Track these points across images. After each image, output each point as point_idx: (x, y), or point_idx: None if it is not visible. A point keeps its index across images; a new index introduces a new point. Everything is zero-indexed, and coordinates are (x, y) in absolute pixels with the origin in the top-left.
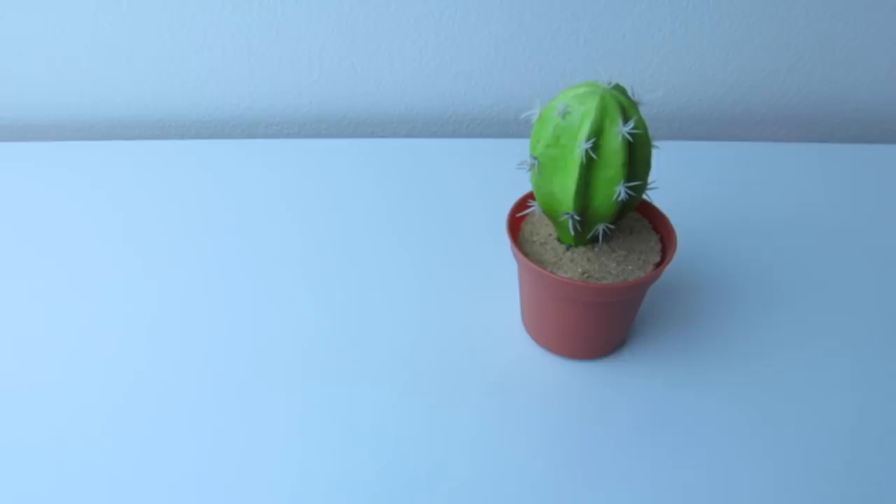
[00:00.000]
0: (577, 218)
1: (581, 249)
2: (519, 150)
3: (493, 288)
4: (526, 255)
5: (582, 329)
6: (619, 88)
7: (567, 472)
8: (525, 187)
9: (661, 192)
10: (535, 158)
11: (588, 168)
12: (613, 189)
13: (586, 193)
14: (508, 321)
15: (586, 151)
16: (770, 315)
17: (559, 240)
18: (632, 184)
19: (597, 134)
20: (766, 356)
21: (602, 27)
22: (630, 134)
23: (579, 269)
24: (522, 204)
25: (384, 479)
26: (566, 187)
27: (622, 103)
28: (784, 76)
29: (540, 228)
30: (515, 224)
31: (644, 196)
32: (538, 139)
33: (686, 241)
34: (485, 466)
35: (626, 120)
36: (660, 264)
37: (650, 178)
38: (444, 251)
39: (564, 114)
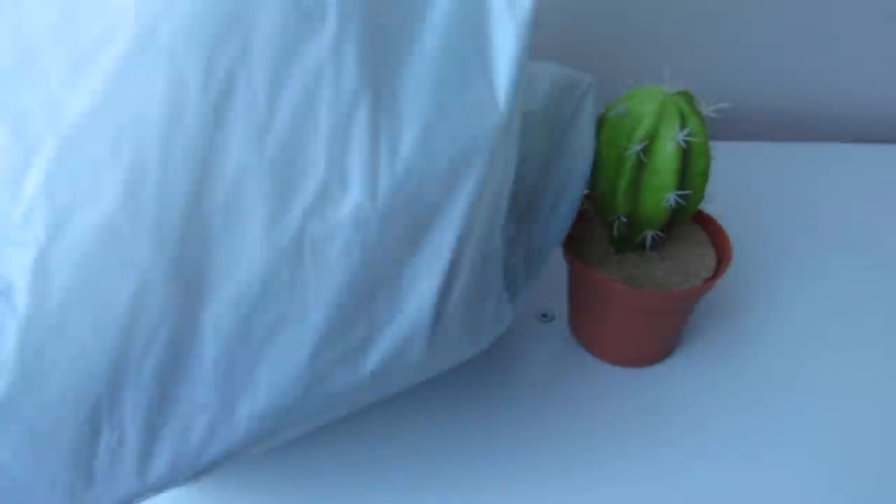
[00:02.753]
0: (623, 220)
1: (631, 254)
2: None
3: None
4: (575, 253)
5: (617, 332)
6: (684, 95)
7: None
8: None
9: None
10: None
11: (639, 172)
12: (662, 196)
13: (635, 198)
14: (555, 322)
15: (637, 154)
16: (770, 313)
17: (610, 242)
18: (683, 192)
19: (650, 138)
20: (774, 364)
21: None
22: (685, 142)
23: (623, 273)
24: None
25: (417, 480)
26: (615, 189)
27: (682, 110)
28: (783, 76)
29: (594, 228)
30: None
31: (704, 210)
32: (596, 139)
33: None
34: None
35: (683, 127)
36: (707, 280)
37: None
38: None
39: (622, 115)
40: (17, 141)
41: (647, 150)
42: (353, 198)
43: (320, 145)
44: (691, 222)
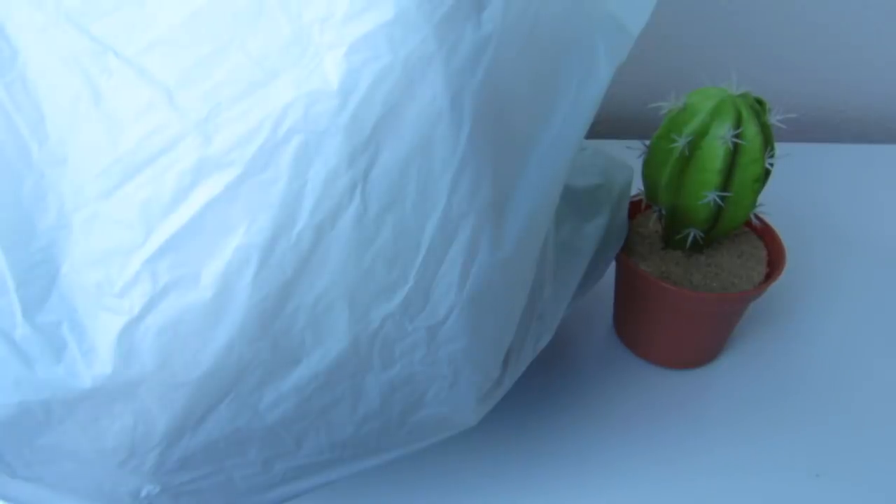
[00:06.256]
0: (663, 213)
1: (677, 252)
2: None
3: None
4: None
5: (660, 332)
6: (749, 99)
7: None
8: None
9: None
10: (647, 146)
11: (684, 165)
12: (702, 194)
13: (679, 192)
14: (598, 311)
15: (683, 148)
16: (768, 315)
17: (662, 237)
18: (723, 194)
19: (699, 134)
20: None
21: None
22: (734, 144)
23: (662, 268)
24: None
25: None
26: (661, 180)
27: (740, 111)
28: (784, 76)
29: (648, 221)
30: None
31: (764, 220)
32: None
33: None
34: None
35: (736, 127)
36: (745, 291)
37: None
38: None
39: (681, 109)
40: (140, 218)
41: (695, 146)
42: (430, 312)
43: (416, 262)
44: (752, 235)
